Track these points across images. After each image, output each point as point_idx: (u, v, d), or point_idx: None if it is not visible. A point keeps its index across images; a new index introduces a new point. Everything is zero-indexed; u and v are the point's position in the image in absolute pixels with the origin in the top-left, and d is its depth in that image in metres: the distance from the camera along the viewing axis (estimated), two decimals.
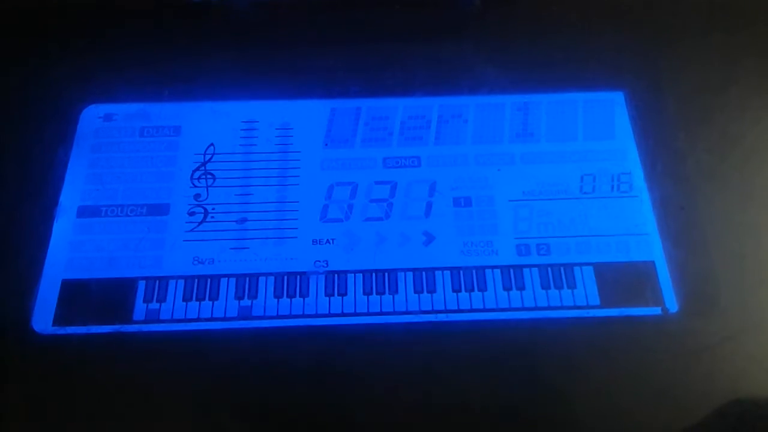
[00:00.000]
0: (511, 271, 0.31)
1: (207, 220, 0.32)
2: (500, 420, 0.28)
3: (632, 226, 0.32)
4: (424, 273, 0.31)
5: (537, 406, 0.29)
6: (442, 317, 0.30)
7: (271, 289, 0.31)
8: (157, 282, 0.31)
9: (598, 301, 0.30)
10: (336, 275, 0.31)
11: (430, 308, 0.30)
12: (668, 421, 0.28)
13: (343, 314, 0.30)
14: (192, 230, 0.32)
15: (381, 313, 0.30)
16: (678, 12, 0.37)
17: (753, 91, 0.35)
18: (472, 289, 0.31)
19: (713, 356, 0.29)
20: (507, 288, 0.31)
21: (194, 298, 0.30)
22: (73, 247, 0.31)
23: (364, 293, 0.31)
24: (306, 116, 0.35)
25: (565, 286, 0.31)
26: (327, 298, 0.30)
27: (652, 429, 0.28)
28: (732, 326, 0.30)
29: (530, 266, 0.31)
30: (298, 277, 0.31)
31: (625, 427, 0.28)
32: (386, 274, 0.31)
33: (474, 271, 0.31)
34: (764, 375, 0.29)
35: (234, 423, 0.28)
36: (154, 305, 0.30)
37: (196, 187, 0.33)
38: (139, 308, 0.30)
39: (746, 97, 0.35)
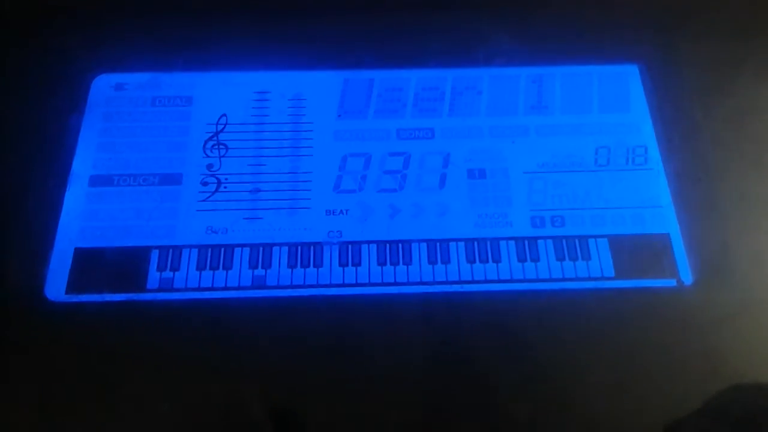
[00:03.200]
0: (526, 242, 0.31)
1: (220, 189, 0.32)
2: (515, 390, 0.28)
3: (647, 198, 0.32)
4: (438, 244, 0.31)
5: (551, 376, 0.28)
6: (456, 288, 0.30)
7: (285, 258, 0.30)
8: (171, 251, 0.30)
9: (612, 273, 0.30)
10: (350, 245, 0.31)
11: (444, 279, 0.30)
12: (683, 392, 0.28)
13: (357, 284, 0.30)
14: (205, 200, 0.32)
15: (395, 284, 0.30)
16: None
17: None
18: (487, 261, 0.31)
19: (728, 327, 0.29)
20: (522, 259, 0.31)
21: (208, 267, 0.30)
22: (85, 215, 0.31)
23: (378, 264, 0.30)
24: (319, 87, 0.35)
25: (579, 257, 0.31)
26: (341, 268, 0.30)
27: (667, 401, 0.28)
28: (746, 298, 0.30)
29: (545, 238, 0.31)
30: (312, 247, 0.31)
31: (638, 398, 0.28)
32: (400, 244, 0.31)
33: (488, 243, 0.31)
34: None
35: (248, 391, 0.28)
36: (168, 274, 0.30)
37: (208, 157, 0.33)
38: (153, 277, 0.30)
39: (761, 70, 0.35)
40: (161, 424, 0.28)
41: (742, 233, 0.31)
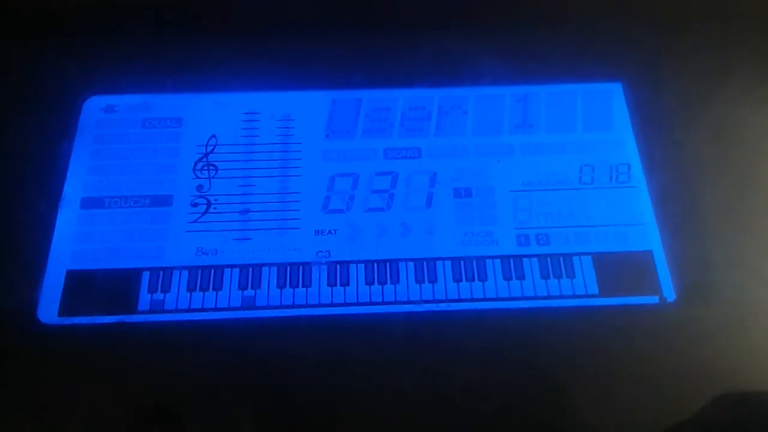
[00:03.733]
0: (511, 260, 0.31)
1: (210, 211, 0.33)
2: (501, 407, 0.29)
3: (630, 216, 0.32)
4: (425, 263, 0.31)
5: (537, 393, 0.29)
6: (443, 306, 0.30)
7: (274, 279, 0.31)
8: (161, 272, 0.31)
9: (596, 290, 0.31)
10: (338, 265, 0.31)
11: (431, 298, 0.31)
12: (666, 408, 0.29)
13: (345, 304, 0.30)
14: (195, 221, 0.32)
15: (383, 303, 0.31)
16: (675, 4, 0.38)
17: (750, 83, 0.35)
18: (473, 279, 0.31)
19: (710, 344, 0.30)
20: (507, 278, 0.31)
21: (198, 288, 0.31)
22: (77, 238, 0.32)
23: (366, 283, 0.31)
24: (307, 107, 0.35)
25: (564, 275, 0.31)
26: (329, 288, 0.31)
27: (650, 416, 0.29)
28: (728, 314, 0.30)
29: (530, 256, 0.32)
30: (301, 267, 0.31)
31: (623, 414, 0.29)
32: (388, 264, 0.31)
33: (474, 261, 0.31)
34: (760, 363, 0.29)
35: (238, 411, 0.28)
36: (159, 295, 0.30)
37: (198, 178, 0.33)
38: (144, 298, 0.30)
39: (743, 88, 0.35)
40: None
41: (723, 250, 0.32)
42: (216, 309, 0.30)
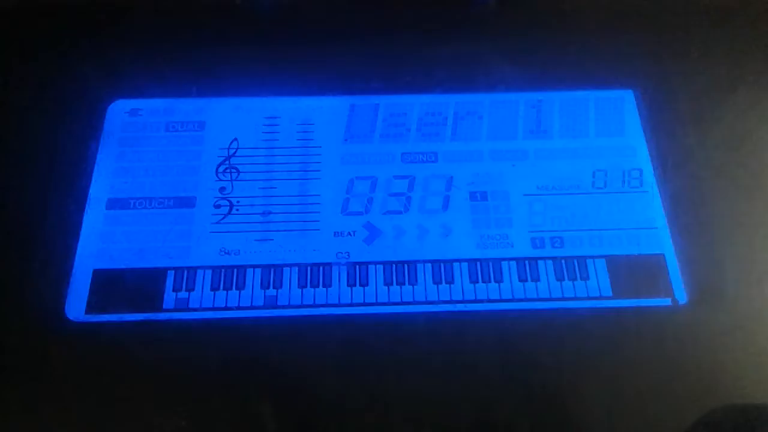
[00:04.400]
0: (527, 263, 0.32)
1: (232, 212, 0.33)
2: (516, 406, 0.29)
3: (642, 220, 0.33)
4: (442, 265, 0.32)
5: (552, 393, 0.30)
6: (460, 307, 0.31)
7: (295, 279, 0.32)
8: (186, 272, 0.32)
9: (610, 293, 0.31)
10: (357, 266, 0.32)
11: (448, 298, 0.31)
12: (677, 409, 0.29)
13: (365, 304, 0.31)
14: (218, 222, 0.33)
15: (401, 303, 0.31)
16: (686, 12, 0.38)
17: (760, 89, 0.36)
18: (489, 281, 0.32)
19: (722, 346, 0.30)
20: (522, 279, 0.32)
21: (222, 287, 0.31)
22: (103, 237, 0.33)
23: (385, 284, 0.32)
24: (326, 112, 0.36)
25: (578, 277, 0.32)
26: (349, 288, 0.32)
27: (662, 417, 0.29)
28: (740, 317, 0.31)
29: (545, 258, 0.32)
30: (322, 267, 0.32)
31: (635, 415, 0.29)
32: (406, 265, 0.32)
33: (491, 263, 0.32)
34: None
35: (261, 408, 0.29)
36: (183, 294, 0.31)
37: (221, 180, 0.34)
38: (169, 297, 0.31)
39: (753, 95, 0.36)
40: None
41: (734, 254, 0.32)
42: (239, 308, 0.31)
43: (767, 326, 0.31)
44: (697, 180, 0.34)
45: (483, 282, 0.32)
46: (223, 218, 0.33)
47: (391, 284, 0.32)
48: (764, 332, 0.31)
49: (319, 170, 0.35)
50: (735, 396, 0.29)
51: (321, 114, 0.36)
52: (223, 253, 0.32)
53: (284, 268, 0.32)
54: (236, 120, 0.36)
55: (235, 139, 0.35)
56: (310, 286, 0.32)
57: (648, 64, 0.37)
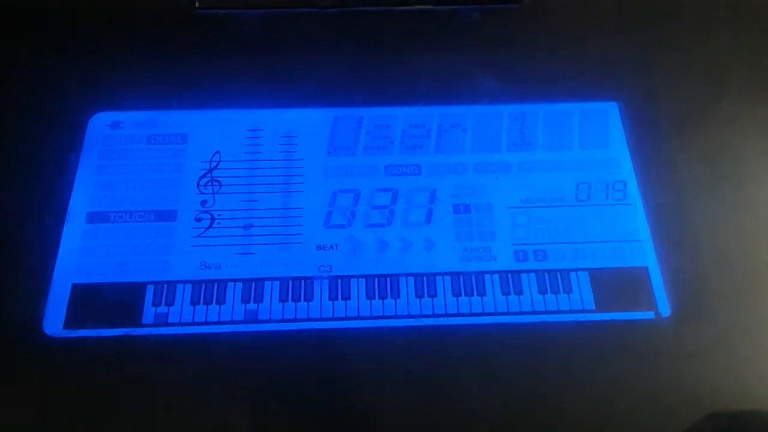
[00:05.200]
0: (510, 276, 0.32)
1: (213, 225, 0.33)
2: (499, 421, 0.29)
3: (626, 232, 0.33)
4: (425, 278, 0.32)
5: (535, 407, 0.29)
6: (442, 321, 0.31)
7: (276, 293, 0.31)
8: (166, 286, 0.31)
9: (593, 306, 0.31)
10: (339, 280, 0.32)
11: (431, 312, 0.31)
12: (661, 422, 0.29)
13: (346, 318, 0.31)
14: (199, 236, 0.33)
15: (383, 317, 0.31)
16: (670, 25, 0.39)
17: (744, 102, 0.36)
18: (472, 294, 0.32)
19: (705, 359, 0.30)
20: (505, 293, 0.32)
21: (202, 301, 0.31)
22: (82, 251, 0.32)
23: (367, 297, 0.31)
24: (309, 125, 0.36)
25: (561, 291, 0.32)
26: (331, 302, 0.31)
27: (646, 430, 0.29)
28: (723, 330, 0.31)
29: (528, 271, 0.32)
30: (303, 281, 0.32)
31: (618, 428, 0.29)
32: (388, 279, 0.32)
33: (473, 277, 0.32)
34: (755, 378, 0.30)
35: (240, 424, 0.29)
36: (163, 309, 0.31)
37: (202, 193, 0.34)
38: (148, 312, 0.31)
39: (737, 108, 0.36)
40: None
41: (718, 267, 0.32)
42: (219, 322, 0.31)
43: (750, 339, 0.31)
44: (681, 193, 0.34)
45: (466, 295, 0.32)
46: (204, 231, 0.33)
47: (374, 298, 0.31)
48: (747, 345, 0.30)
49: (301, 183, 0.34)
50: (719, 408, 0.29)
51: (304, 126, 0.36)
52: (203, 266, 0.32)
53: (265, 282, 0.32)
54: (218, 132, 0.36)
55: (218, 151, 0.35)
56: (292, 300, 0.31)
57: (632, 77, 0.37)
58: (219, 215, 0.33)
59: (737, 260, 0.32)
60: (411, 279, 0.32)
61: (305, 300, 0.31)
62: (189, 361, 0.30)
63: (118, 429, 0.29)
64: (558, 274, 0.32)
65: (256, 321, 0.31)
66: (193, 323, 0.31)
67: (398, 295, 0.31)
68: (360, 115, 0.36)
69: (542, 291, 0.32)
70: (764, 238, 0.33)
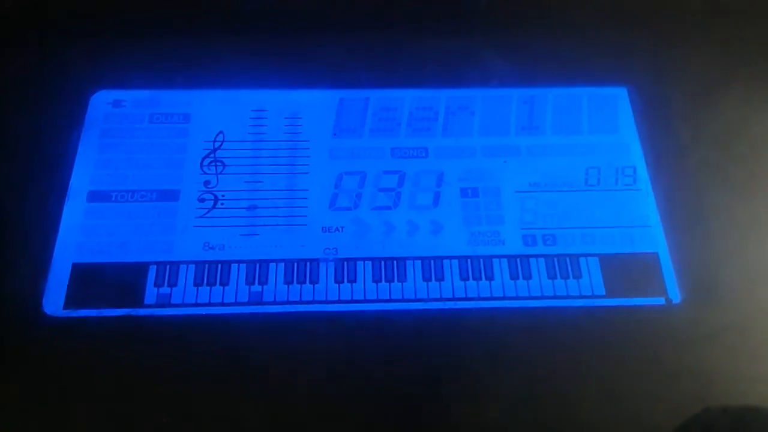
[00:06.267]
0: (518, 260, 0.32)
1: (217, 206, 0.32)
2: (507, 406, 0.29)
3: (636, 218, 0.33)
4: (432, 261, 0.31)
5: (543, 392, 0.29)
6: (450, 305, 0.30)
7: (281, 275, 0.31)
8: (168, 266, 0.31)
9: (603, 291, 0.31)
10: (345, 262, 0.31)
11: (438, 296, 0.31)
12: (671, 408, 0.29)
13: (352, 301, 0.30)
14: (202, 216, 0.32)
15: (390, 300, 0.30)
16: (680, 9, 0.38)
17: (754, 87, 0.36)
18: (480, 278, 0.31)
19: (715, 345, 0.30)
20: (514, 277, 0.31)
21: (205, 283, 0.31)
22: (83, 231, 0.32)
23: (374, 280, 0.31)
24: (315, 106, 0.36)
25: (570, 276, 0.31)
26: (337, 284, 0.31)
27: (655, 416, 0.29)
28: (733, 316, 0.30)
29: (536, 256, 0.32)
30: (308, 263, 0.31)
31: (627, 414, 0.29)
32: (395, 262, 0.31)
33: (482, 260, 0.31)
34: (764, 363, 0.29)
35: (243, 407, 0.28)
36: (165, 289, 0.30)
37: (205, 173, 0.33)
38: (150, 292, 0.30)
39: (747, 93, 0.36)
40: None
41: (728, 252, 0.32)
42: (223, 304, 0.30)
43: (761, 325, 0.30)
44: (691, 178, 0.33)
45: (474, 279, 0.31)
46: (208, 212, 0.32)
47: (380, 281, 0.31)
48: (758, 331, 0.30)
49: (307, 164, 0.34)
50: (729, 394, 0.29)
51: (309, 107, 0.35)
52: (207, 247, 0.31)
53: (270, 264, 0.31)
54: (222, 112, 0.35)
55: (221, 131, 0.34)
56: (297, 283, 0.31)
57: (642, 62, 0.37)
58: (222, 196, 0.33)
59: (747, 246, 0.32)
60: (418, 262, 0.31)
61: (311, 282, 0.31)
62: (192, 342, 0.29)
63: (119, 411, 0.28)
64: (567, 259, 0.32)
65: (260, 303, 0.30)
66: (197, 304, 0.30)
67: (405, 279, 0.31)
68: (366, 97, 0.36)
69: (551, 276, 0.31)
70: None
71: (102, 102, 0.35)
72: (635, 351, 0.30)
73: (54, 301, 0.30)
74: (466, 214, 0.33)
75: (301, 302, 0.30)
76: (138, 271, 0.31)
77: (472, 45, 0.37)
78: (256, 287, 0.31)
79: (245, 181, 0.33)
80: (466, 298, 0.31)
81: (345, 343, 0.30)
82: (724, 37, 0.37)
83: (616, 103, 0.36)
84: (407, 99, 0.36)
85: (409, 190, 0.33)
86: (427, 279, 0.31)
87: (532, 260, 0.32)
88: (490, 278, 0.31)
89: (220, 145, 0.34)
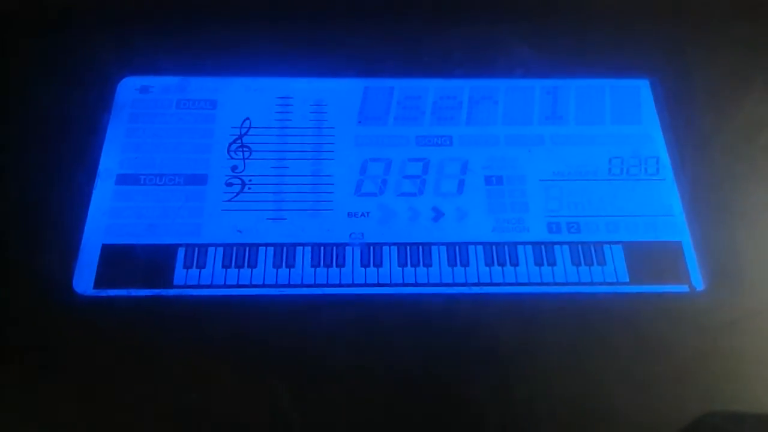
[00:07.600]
0: (543, 247, 0.32)
1: (244, 191, 0.33)
2: (532, 390, 0.29)
3: (659, 207, 0.33)
4: (457, 247, 0.32)
5: (567, 377, 0.29)
6: (475, 290, 0.31)
7: (308, 258, 0.31)
8: (197, 249, 0.31)
9: (627, 278, 0.31)
10: (371, 247, 0.32)
11: (464, 281, 0.31)
12: (693, 395, 0.29)
13: (378, 284, 0.31)
14: (230, 200, 0.33)
15: (416, 284, 0.31)
16: (702, 1, 0.38)
17: None
18: (505, 264, 0.31)
19: (738, 332, 0.30)
20: (539, 263, 0.31)
21: (233, 265, 0.31)
22: (112, 213, 0.32)
23: (399, 265, 0.31)
24: (340, 94, 0.36)
25: (595, 263, 0.31)
26: (363, 268, 0.31)
27: (678, 403, 0.29)
28: (755, 303, 0.31)
29: (561, 243, 0.32)
30: (335, 247, 0.31)
31: (651, 400, 0.29)
32: (420, 247, 0.32)
33: (506, 247, 0.32)
34: None
35: (270, 388, 0.28)
36: (194, 271, 0.31)
37: (233, 159, 0.34)
38: (179, 273, 0.30)
39: None
40: (187, 417, 0.28)
41: (751, 241, 0.32)
42: (251, 286, 0.30)
43: None
44: (714, 167, 0.34)
45: (498, 265, 0.31)
46: (235, 196, 0.33)
47: (406, 265, 0.31)
48: None
49: (332, 151, 0.34)
50: (753, 381, 0.29)
51: (334, 96, 0.36)
52: (235, 230, 0.32)
53: (297, 248, 0.31)
54: (248, 99, 0.35)
55: (248, 118, 0.35)
56: (323, 266, 0.31)
57: (664, 53, 0.37)
58: (250, 180, 0.33)
59: None
60: (443, 248, 0.32)
61: (337, 266, 0.31)
62: (220, 323, 0.30)
63: (147, 389, 0.28)
64: (592, 246, 0.32)
65: (288, 285, 0.30)
66: (225, 286, 0.30)
67: (430, 264, 0.31)
68: (391, 86, 0.36)
69: (576, 263, 0.31)
70: None
71: (130, 88, 0.35)
72: (659, 338, 0.30)
73: (84, 281, 0.30)
74: (490, 201, 0.33)
75: (327, 285, 0.31)
76: (167, 252, 0.31)
77: (496, 36, 0.37)
78: (284, 270, 0.31)
79: (272, 167, 0.34)
80: (492, 284, 0.31)
81: (371, 326, 0.30)
82: (746, 28, 0.37)
83: (639, 95, 0.36)
84: (431, 88, 0.36)
85: (433, 177, 0.34)
86: (452, 264, 0.31)
87: (557, 247, 0.32)
88: (514, 264, 0.31)
89: (247, 131, 0.34)
